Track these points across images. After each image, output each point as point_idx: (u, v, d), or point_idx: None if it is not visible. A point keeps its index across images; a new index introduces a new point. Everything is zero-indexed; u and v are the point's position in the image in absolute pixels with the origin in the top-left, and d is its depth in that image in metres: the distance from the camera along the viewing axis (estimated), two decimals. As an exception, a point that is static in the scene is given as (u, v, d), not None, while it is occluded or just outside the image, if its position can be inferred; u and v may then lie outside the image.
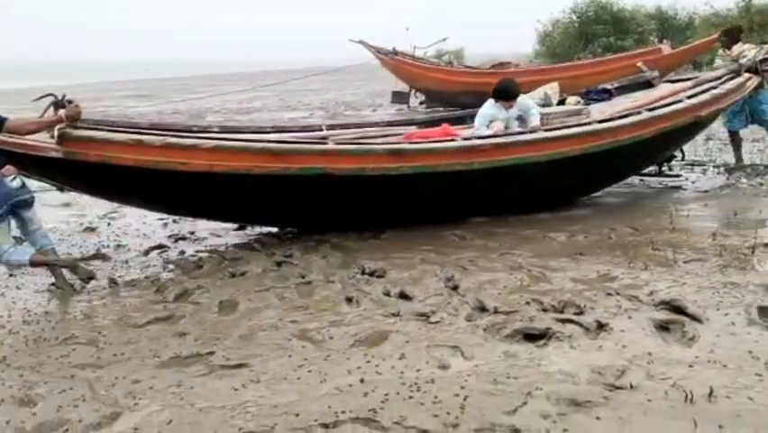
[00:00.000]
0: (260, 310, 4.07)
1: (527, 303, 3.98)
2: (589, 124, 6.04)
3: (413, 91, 18.01)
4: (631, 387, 2.94)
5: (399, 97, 18.06)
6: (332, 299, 4.21)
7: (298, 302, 4.19)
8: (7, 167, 4.42)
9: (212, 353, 3.49)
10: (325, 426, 2.74)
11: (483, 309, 3.95)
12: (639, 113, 6.14)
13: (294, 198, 5.23)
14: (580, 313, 3.80)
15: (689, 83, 7.18)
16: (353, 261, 4.92)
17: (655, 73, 7.91)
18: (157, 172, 4.73)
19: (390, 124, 7.28)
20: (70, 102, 4.61)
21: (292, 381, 3.17)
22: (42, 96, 4.67)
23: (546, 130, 5.94)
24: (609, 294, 4.07)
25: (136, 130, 5.09)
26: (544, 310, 3.87)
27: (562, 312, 3.84)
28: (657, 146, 6.43)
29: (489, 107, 6.42)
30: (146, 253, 5.42)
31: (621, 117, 6.10)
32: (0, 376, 3.36)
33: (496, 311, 3.90)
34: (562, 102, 7.43)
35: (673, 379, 2.99)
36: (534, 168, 5.66)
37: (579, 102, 7.30)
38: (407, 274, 4.61)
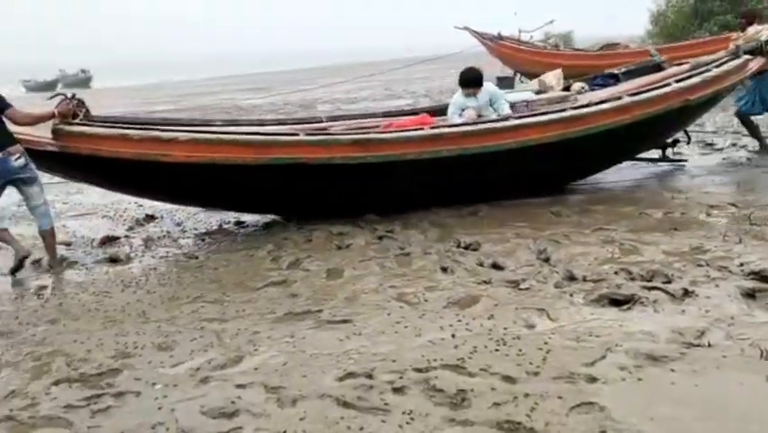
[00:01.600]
0: (362, 277, 4.46)
1: (616, 273, 4.15)
2: (563, 111, 6.00)
3: (518, 76, 17.97)
4: (708, 345, 3.11)
5: (504, 83, 18.07)
6: (428, 268, 4.53)
7: (397, 271, 4.54)
8: (16, 146, 4.90)
9: (320, 310, 3.91)
10: (419, 370, 3.08)
11: (572, 278, 4.16)
12: (620, 98, 6.06)
13: (269, 186, 5.52)
14: (668, 282, 3.94)
15: (686, 66, 6.97)
16: (450, 235, 5.21)
17: (664, 57, 7.76)
18: (142, 163, 5.12)
19: (389, 114, 7.30)
20: (80, 101, 5.15)
21: (390, 334, 3.53)
22: (54, 95, 5.22)
23: (518, 117, 5.95)
24: (699, 265, 4.16)
25: (130, 125, 5.49)
26: (632, 279, 4.04)
27: (649, 281, 3.99)
28: (644, 131, 6.22)
29: (460, 96, 6.46)
30: (264, 228, 5.94)
31: (599, 103, 6.03)
32: (141, 327, 3.89)
33: (584, 280, 4.10)
34: (567, 88, 7.31)
35: (752, 339, 3.12)
36: (505, 155, 5.68)
37: (583, 88, 7.20)
38: (501, 247, 4.85)
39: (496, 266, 4.49)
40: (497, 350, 3.25)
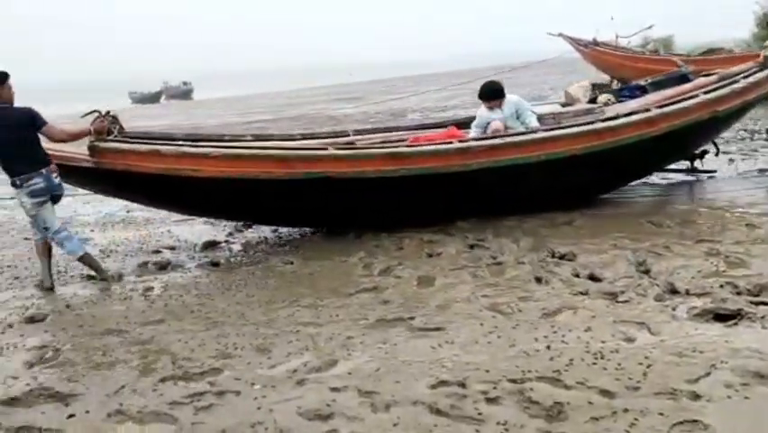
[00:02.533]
0: (454, 285, 4.45)
1: (721, 286, 3.98)
2: (591, 123, 6.01)
3: (613, 82, 17.46)
4: (824, 365, 2.92)
5: (601, 90, 17.59)
6: (521, 279, 4.47)
7: (490, 280, 4.51)
8: (53, 166, 4.99)
9: (412, 318, 3.94)
10: (513, 381, 3.05)
11: (674, 291, 4.02)
12: (648, 110, 6.03)
13: (300, 200, 5.56)
14: (778, 297, 3.73)
15: (713, 77, 6.85)
16: (543, 245, 5.13)
17: (691, 68, 7.74)
18: (174, 178, 5.23)
19: (419, 127, 7.37)
20: (114, 118, 5.25)
21: (483, 344, 3.51)
22: (89, 113, 5.32)
23: (547, 130, 5.94)
24: (813, 280, 3.93)
25: (162, 141, 5.61)
26: (738, 293, 3.86)
27: (757, 295, 3.82)
28: (672, 143, 6.16)
29: (483, 110, 6.46)
30: (355, 236, 6.00)
31: (627, 115, 6.03)
32: (241, 329, 4.02)
33: (687, 293, 3.96)
34: (593, 100, 7.31)
35: None
36: (534, 168, 5.67)
37: (609, 100, 7.21)
38: (598, 258, 4.74)
39: (593, 277, 4.40)
40: (594, 363, 3.17)
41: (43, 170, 4.95)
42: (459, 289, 4.37)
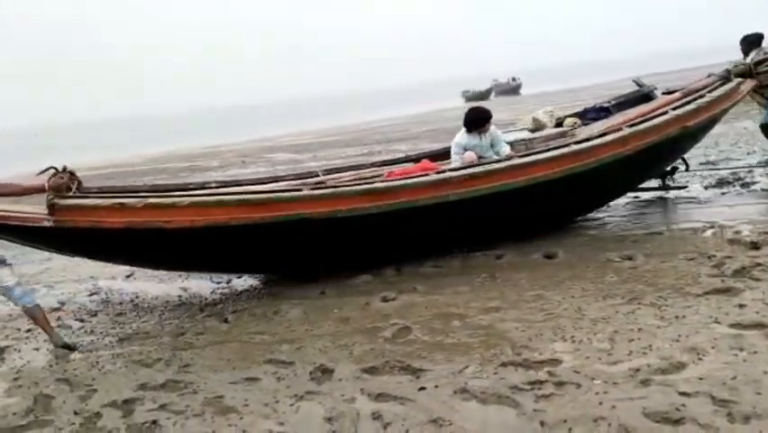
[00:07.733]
0: (830, 292, 3.86)
1: None
2: (566, 146, 5.90)
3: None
4: None
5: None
6: None
7: None
8: None
9: (777, 326, 3.51)
10: None
11: None
12: (620, 129, 5.99)
13: (277, 244, 5.34)
14: None
15: (678, 94, 6.86)
16: None
17: (654, 86, 7.82)
18: (143, 231, 4.93)
19: (386, 163, 7.31)
20: (72, 173, 4.85)
21: None
22: (45, 170, 4.91)
23: (522, 156, 5.85)
24: None
25: (126, 194, 5.27)
26: None
27: None
28: (645, 161, 6.22)
29: (462, 136, 6.30)
30: (702, 232, 5.54)
31: (600, 136, 5.97)
32: (577, 323, 3.97)
33: None
34: (559, 124, 7.20)
35: None
36: (512, 195, 5.57)
37: (576, 123, 7.19)
38: None
39: None
40: None
41: None
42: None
